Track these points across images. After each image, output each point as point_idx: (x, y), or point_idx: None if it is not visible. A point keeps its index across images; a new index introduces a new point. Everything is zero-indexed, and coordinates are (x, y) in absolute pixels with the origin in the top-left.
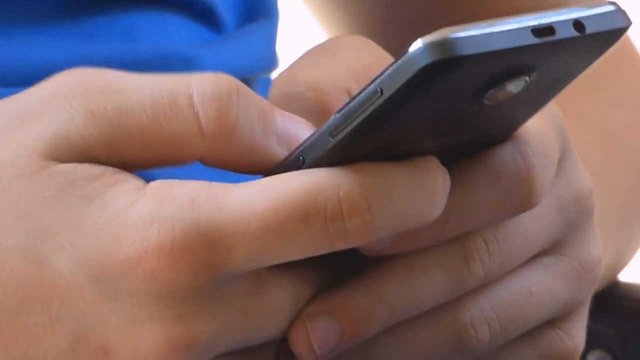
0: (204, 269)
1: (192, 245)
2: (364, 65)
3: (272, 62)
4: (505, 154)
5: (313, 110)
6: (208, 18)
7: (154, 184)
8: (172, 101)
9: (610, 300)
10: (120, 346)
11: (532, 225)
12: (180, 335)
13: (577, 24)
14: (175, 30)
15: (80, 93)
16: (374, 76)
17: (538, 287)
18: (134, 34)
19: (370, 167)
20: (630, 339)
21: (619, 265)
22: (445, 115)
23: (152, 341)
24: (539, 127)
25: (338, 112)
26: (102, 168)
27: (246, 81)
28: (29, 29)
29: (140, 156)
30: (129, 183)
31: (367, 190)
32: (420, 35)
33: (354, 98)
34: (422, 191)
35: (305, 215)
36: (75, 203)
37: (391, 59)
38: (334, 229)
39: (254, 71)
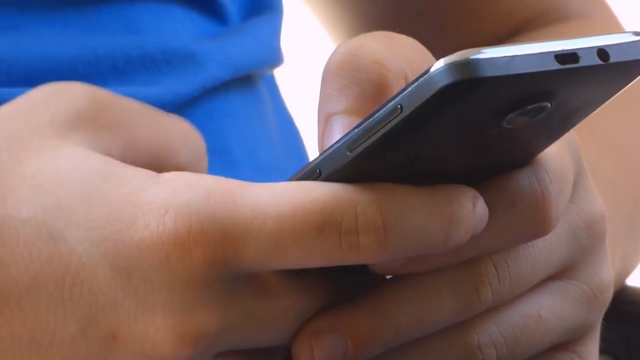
0: (217, 262)
1: (208, 236)
2: (418, 55)
3: (277, 58)
4: (522, 179)
5: (373, 82)
6: (213, 11)
7: (168, 174)
8: None
9: (614, 305)
10: (129, 332)
11: (544, 250)
12: (190, 326)
13: (601, 52)
14: (179, 23)
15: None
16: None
17: (547, 311)
18: (138, 27)
19: (390, 188)
20: (635, 343)
21: (626, 272)
22: (464, 136)
23: (162, 329)
24: (556, 152)
25: (357, 127)
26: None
27: (250, 77)
28: (34, 20)
29: None
30: (141, 169)
31: (384, 210)
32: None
33: (373, 114)
34: (438, 220)
35: (321, 225)
36: (91, 178)
37: (433, 58)
38: (347, 242)
39: (259, 66)
